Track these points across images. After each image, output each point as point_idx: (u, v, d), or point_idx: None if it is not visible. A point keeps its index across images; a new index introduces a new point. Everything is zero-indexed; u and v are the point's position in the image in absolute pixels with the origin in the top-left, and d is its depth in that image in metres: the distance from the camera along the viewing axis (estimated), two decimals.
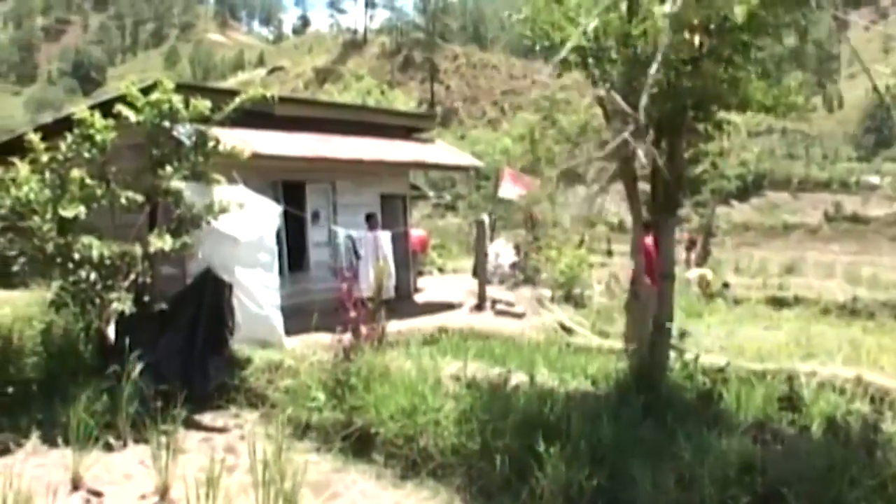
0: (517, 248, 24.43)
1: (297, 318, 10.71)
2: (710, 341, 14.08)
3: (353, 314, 9.02)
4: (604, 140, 10.95)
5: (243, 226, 10.04)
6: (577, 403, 7.35)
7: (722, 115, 8.11)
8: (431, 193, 46.03)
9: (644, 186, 8.34)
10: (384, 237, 16.10)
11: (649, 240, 14.82)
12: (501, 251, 24.00)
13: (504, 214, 33.58)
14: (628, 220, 8.84)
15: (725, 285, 25.02)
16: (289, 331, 10.74)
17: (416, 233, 21.29)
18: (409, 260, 18.93)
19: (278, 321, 10.64)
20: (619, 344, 13.19)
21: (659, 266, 8.44)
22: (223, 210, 9.63)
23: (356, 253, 15.30)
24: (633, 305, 8.27)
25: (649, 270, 14.51)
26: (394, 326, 11.82)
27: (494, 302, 17.72)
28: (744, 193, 72.74)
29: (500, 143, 49.47)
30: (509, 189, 27.23)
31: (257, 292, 10.32)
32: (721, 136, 8.46)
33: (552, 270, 21.58)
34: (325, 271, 15.52)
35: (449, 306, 17.68)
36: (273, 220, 10.97)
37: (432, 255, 28.26)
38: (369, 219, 16.50)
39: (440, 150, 20.26)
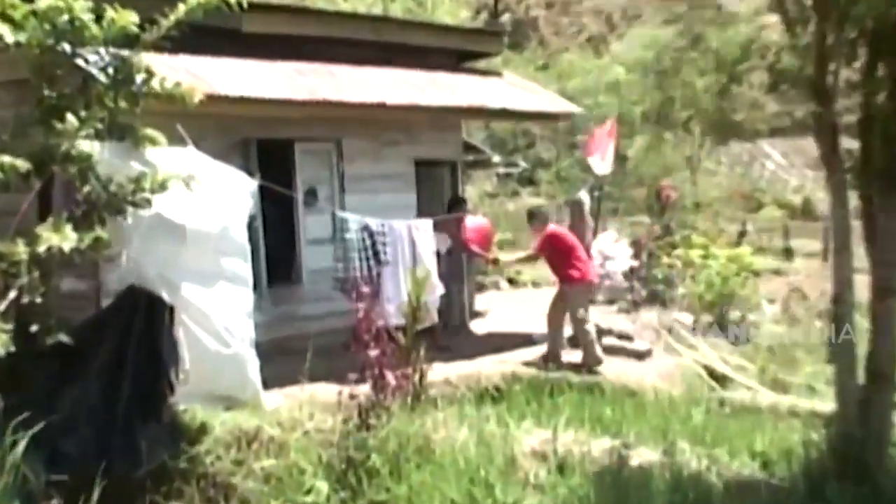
0: (636, 245, 24.29)
1: (282, 360, 10.75)
2: None
3: (373, 353, 9.00)
4: (781, 69, 10.86)
5: (195, 212, 10.04)
6: (739, 497, 7.29)
7: None
8: (497, 158, 46.09)
9: (850, 143, 8.22)
10: (422, 229, 15.93)
11: (557, 227, 15.23)
12: (612, 251, 23.86)
13: (615, 191, 33.44)
14: (819, 199, 8.73)
15: None
16: (268, 380, 10.72)
17: (473, 221, 21.17)
18: (461, 266, 18.88)
19: (252, 365, 10.58)
20: (806, 402, 13.06)
21: (842, 270, 8.26)
22: (162, 186, 9.61)
23: (377, 255, 15.24)
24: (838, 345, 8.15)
25: (563, 264, 14.96)
26: (439, 372, 11.84)
27: (601, 332, 17.62)
28: None
29: (608, 76, 49.46)
30: (602, 161, 26.83)
31: (218, 319, 10.31)
32: None
33: (694, 282, 21.43)
34: (326, 284, 15.49)
35: (526, 339, 17.66)
36: (243, 203, 10.97)
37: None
38: (452, 207, 16.62)
39: (510, 87, 20.32)
